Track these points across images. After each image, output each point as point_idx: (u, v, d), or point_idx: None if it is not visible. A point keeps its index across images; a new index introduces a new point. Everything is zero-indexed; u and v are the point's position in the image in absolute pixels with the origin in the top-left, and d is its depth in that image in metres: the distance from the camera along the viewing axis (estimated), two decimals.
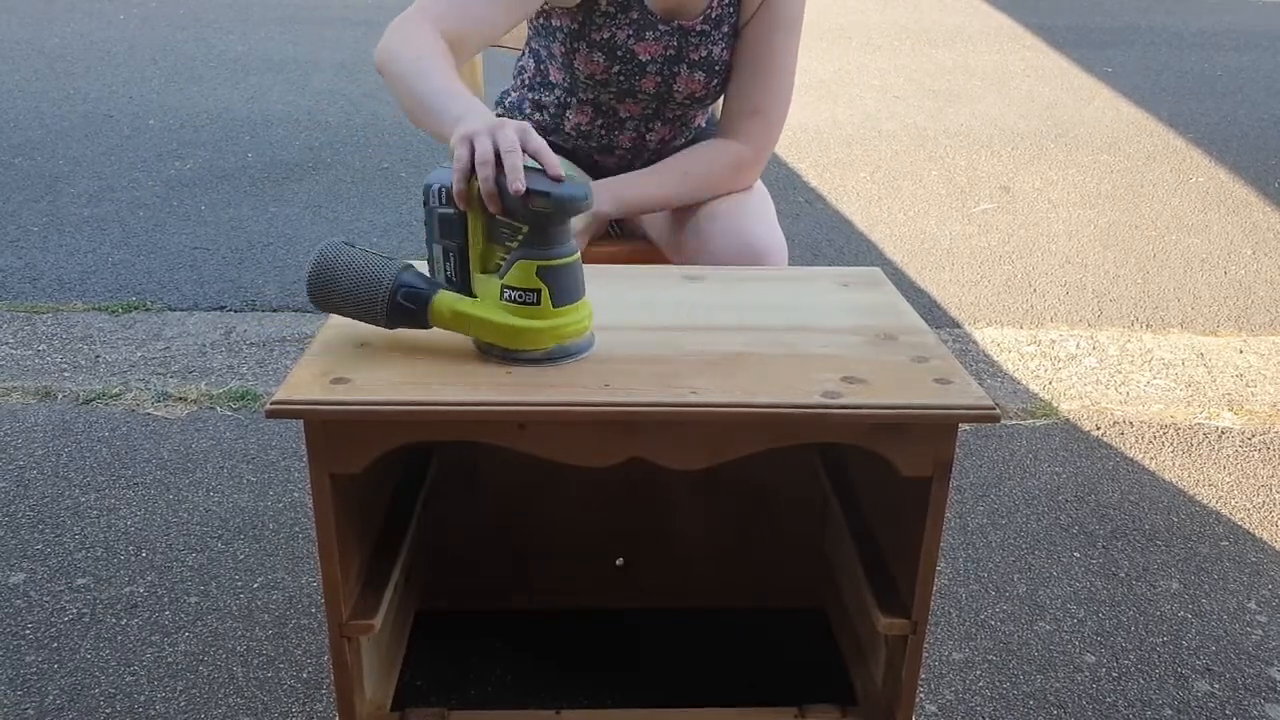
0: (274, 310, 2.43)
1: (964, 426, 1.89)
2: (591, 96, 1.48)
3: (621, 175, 1.47)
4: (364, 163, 3.48)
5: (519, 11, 1.34)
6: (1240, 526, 1.70)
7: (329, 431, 0.95)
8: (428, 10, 1.28)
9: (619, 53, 1.42)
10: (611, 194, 1.43)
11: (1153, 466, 1.87)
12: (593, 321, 1.04)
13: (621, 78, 1.44)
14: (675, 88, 1.45)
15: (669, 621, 1.43)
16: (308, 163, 3.47)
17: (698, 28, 1.42)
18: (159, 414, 1.97)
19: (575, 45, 1.42)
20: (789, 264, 1.42)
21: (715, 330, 1.09)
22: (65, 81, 4.37)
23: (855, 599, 1.27)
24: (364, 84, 4.43)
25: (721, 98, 1.52)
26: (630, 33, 1.40)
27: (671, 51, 1.42)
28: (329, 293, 1.03)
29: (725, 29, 1.43)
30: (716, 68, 1.45)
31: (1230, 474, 1.85)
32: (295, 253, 2.75)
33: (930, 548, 1.02)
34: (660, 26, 1.41)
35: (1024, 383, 2.16)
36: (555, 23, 1.42)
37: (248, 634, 1.42)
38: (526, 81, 1.55)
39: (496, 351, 1.01)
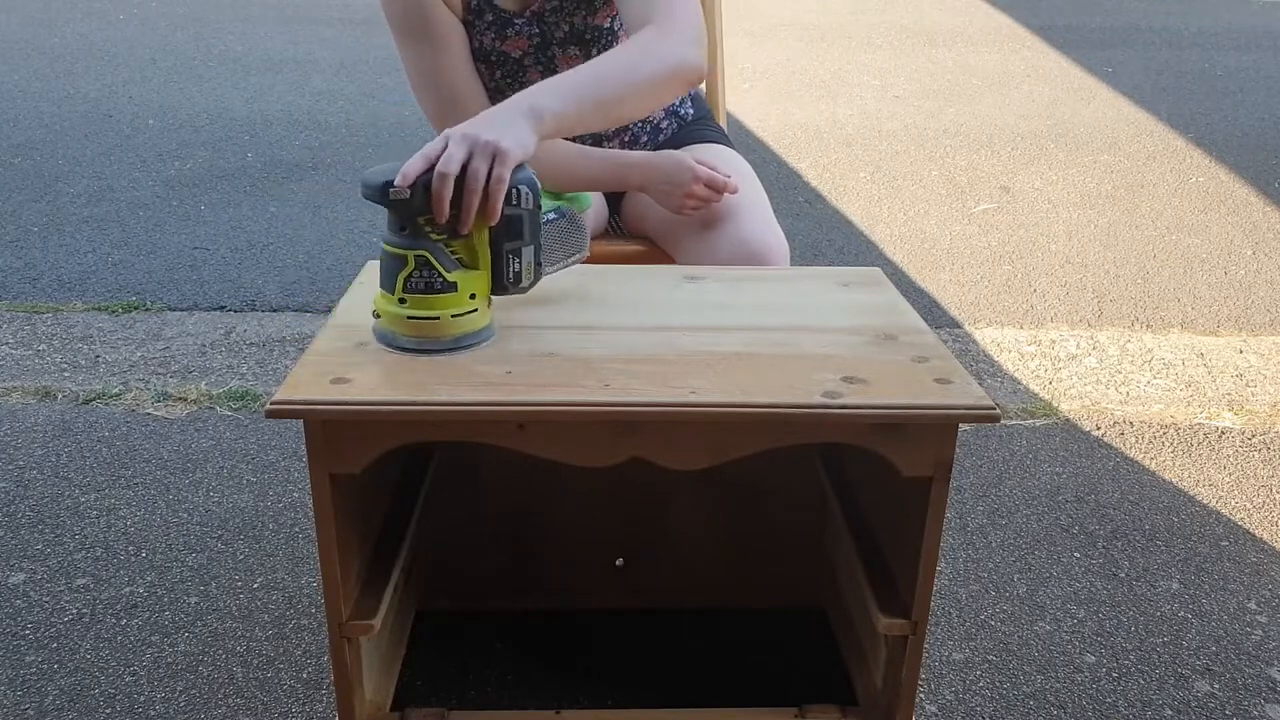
0: (274, 310, 2.43)
1: (964, 426, 1.89)
2: None
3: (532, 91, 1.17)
4: (364, 163, 3.48)
5: (467, 46, 1.42)
6: (1240, 526, 1.70)
7: (329, 431, 0.95)
8: (464, 109, 1.38)
9: (494, 57, 1.44)
10: (516, 115, 1.11)
11: (1153, 466, 1.87)
12: (402, 328, 1.02)
13: (508, 80, 1.46)
14: (560, 71, 1.46)
15: (669, 621, 1.43)
16: (308, 163, 3.47)
17: (548, 7, 1.42)
18: (159, 414, 1.97)
19: (476, 64, 1.45)
20: (789, 264, 1.42)
21: (715, 330, 1.09)
22: (65, 81, 4.37)
23: (855, 599, 1.27)
24: (363, 84, 4.43)
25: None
26: (493, 35, 1.42)
27: (537, 39, 1.43)
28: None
29: None
30: (588, 36, 1.44)
31: (1230, 474, 1.85)
32: (295, 253, 2.75)
33: (930, 548, 1.02)
34: (516, 21, 1.42)
35: (1024, 383, 2.16)
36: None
37: (247, 634, 1.42)
38: None
39: None
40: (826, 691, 1.30)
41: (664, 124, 1.60)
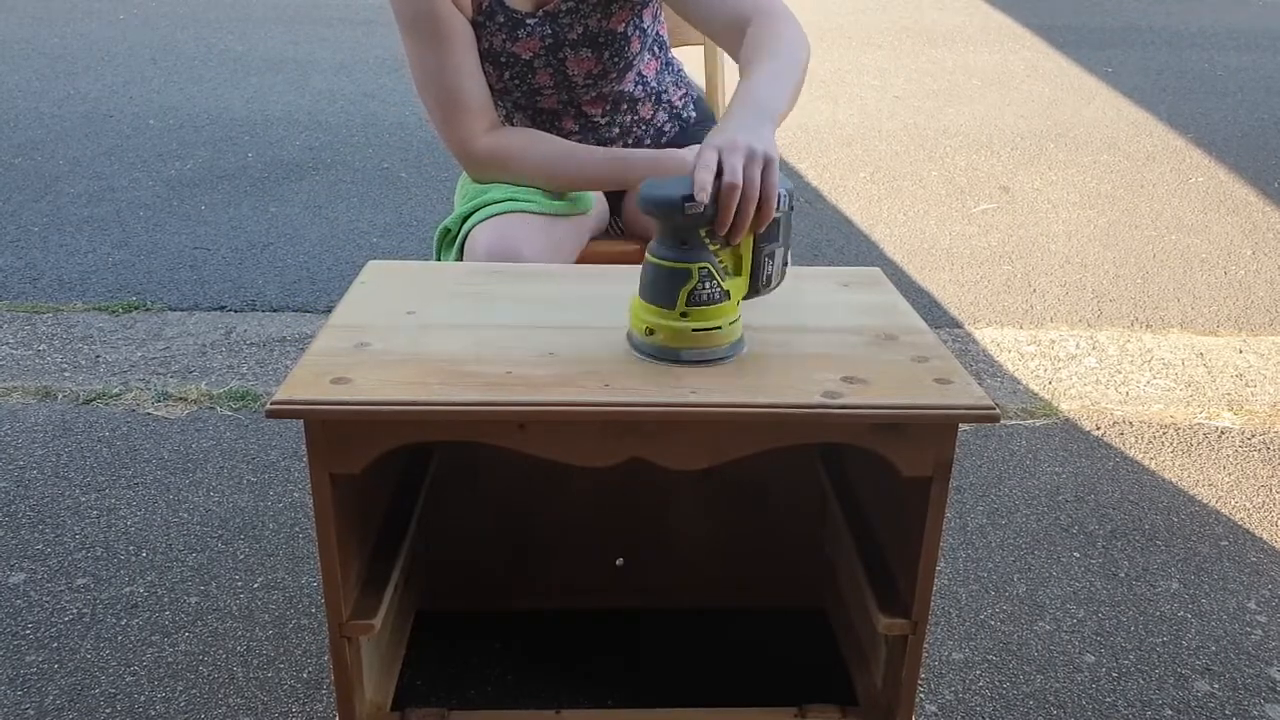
0: (274, 310, 2.43)
1: (964, 426, 1.89)
2: (506, 109, 1.52)
3: (741, 102, 1.16)
4: (364, 163, 3.48)
5: (474, 48, 1.43)
6: (1240, 526, 1.70)
7: (329, 431, 0.95)
8: (465, 110, 1.41)
9: (503, 59, 1.44)
10: (760, 118, 1.11)
11: (1153, 466, 1.87)
12: (683, 341, 1.01)
13: (516, 81, 1.46)
14: (570, 73, 1.46)
15: (669, 621, 1.43)
16: (308, 163, 3.47)
17: (563, 8, 1.41)
18: (159, 414, 1.97)
19: (484, 64, 1.45)
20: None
21: None
22: (65, 81, 4.37)
23: (855, 599, 1.27)
24: (363, 84, 4.43)
25: (630, 72, 1.50)
26: (504, 36, 1.42)
27: (549, 41, 1.43)
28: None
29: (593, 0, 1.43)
30: (600, 39, 1.44)
31: (1230, 474, 1.85)
32: (295, 253, 2.75)
33: (930, 548, 1.02)
34: (528, 21, 1.41)
35: (1024, 383, 2.16)
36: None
37: (248, 634, 1.42)
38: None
39: None
40: (826, 691, 1.30)
41: (666, 126, 1.60)
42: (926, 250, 2.85)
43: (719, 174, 0.99)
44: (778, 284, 1.08)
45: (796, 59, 1.26)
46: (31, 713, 1.29)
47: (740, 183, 0.98)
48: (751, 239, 1.03)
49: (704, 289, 1.00)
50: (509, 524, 1.40)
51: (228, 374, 2.13)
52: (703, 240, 0.99)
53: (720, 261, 1.01)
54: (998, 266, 2.75)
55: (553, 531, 1.41)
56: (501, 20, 1.41)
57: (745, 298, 1.05)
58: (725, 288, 1.01)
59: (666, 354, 1.01)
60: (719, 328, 1.01)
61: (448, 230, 1.49)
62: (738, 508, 1.40)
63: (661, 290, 1.01)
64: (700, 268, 0.99)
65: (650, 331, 1.02)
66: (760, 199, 1.00)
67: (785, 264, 1.07)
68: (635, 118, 1.55)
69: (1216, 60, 5.10)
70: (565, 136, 1.52)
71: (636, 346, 1.04)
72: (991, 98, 4.36)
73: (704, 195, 0.97)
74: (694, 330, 1.00)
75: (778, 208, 1.02)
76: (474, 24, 1.41)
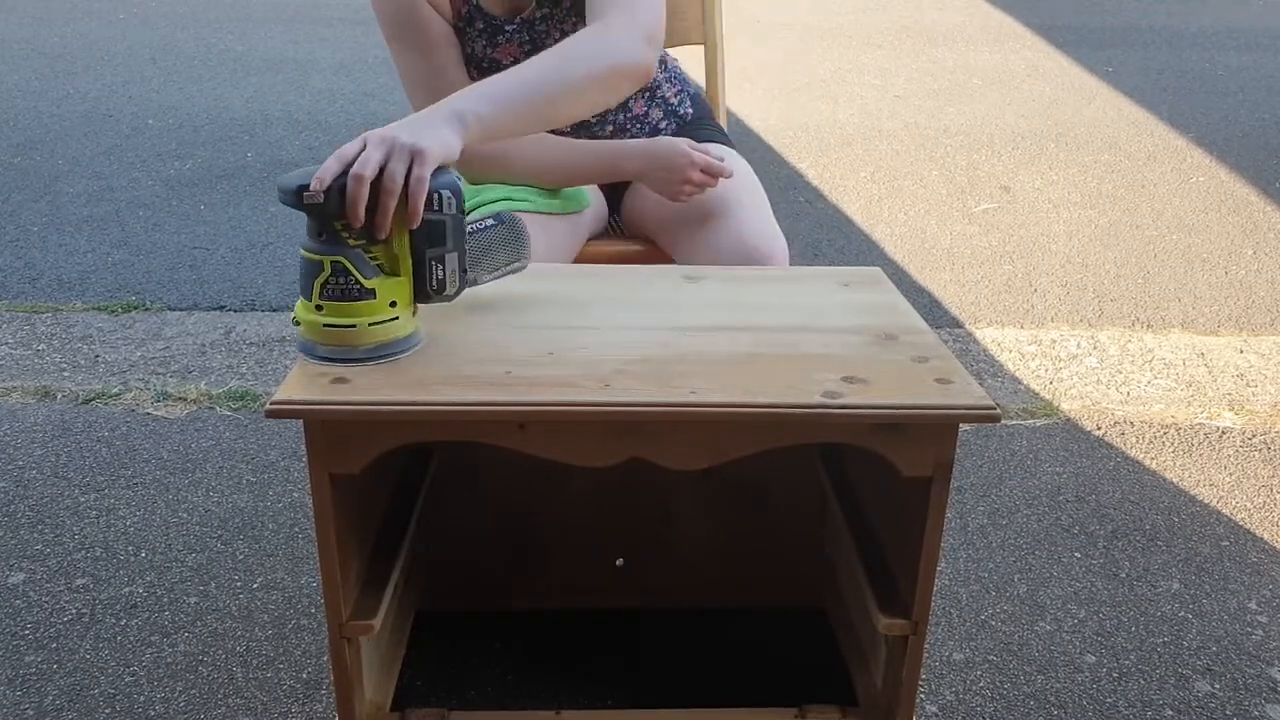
0: (274, 310, 2.43)
1: (964, 426, 1.89)
2: None
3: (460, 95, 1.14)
4: None
5: (458, 50, 1.41)
6: (1241, 526, 1.70)
7: (329, 431, 0.95)
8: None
9: (484, 64, 1.43)
10: (442, 117, 1.08)
11: (1153, 466, 1.87)
12: (319, 336, 0.99)
13: None
14: None
15: (669, 621, 1.43)
16: (308, 163, 3.45)
17: (538, 14, 1.41)
18: (159, 414, 1.97)
19: (468, 69, 1.44)
20: (789, 264, 1.42)
21: (715, 330, 1.09)
22: (65, 81, 4.37)
23: (855, 599, 1.27)
24: (363, 84, 4.43)
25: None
26: (484, 41, 1.42)
27: (527, 47, 1.43)
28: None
29: (567, 4, 1.42)
30: None
31: (1231, 474, 1.85)
32: (295, 252, 2.75)
33: (930, 548, 1.02)
34: (507, 27, 1.42)
35: (1024, 382, 2.16)
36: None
37: (247, 634, 1.42)
38: None
39: None
40: (826, 691, 1.30)
41: (663, 124, 1.60)
42: (927, 250, 2.85)
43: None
44: (456, 291, 1.03)
45: (570, 70, 1.19)
46: (31, 713, 1.29)
47: (367, 174, 0.95)
48: (407, 239, 0.99)
49: (338, 283, 0.96)
50: (509, 524, 1.40)
51: (227, 374, 2.12)
52: (339, 233, 0.96)
53: (374, 259, 0.98)
54: (998, 266, 2.75)
55: (553, 531, 1.41)
56: (480, 26, 1.41)
57: (417, 302, 1.02)
58: (369, 286, 0.97)
59: (306, 347, 1.00)
60: (354, 326, 0.98)
61: None
62: (738, 508, 1.40)
63: (302, 282, 0.99)
64: (334, 261, 0.96)
65: (297, 323, 1.01)
66: (408, 197, 0.97)
67: (463, 271, 1.03)
68: (628, 115, 1.55)
69: (1217, 60, 5.10)
70: (557, 134, 1.52)
71: (295, 339, 1.02)
72: (992, 97, 4.36)
73: (319, 184, 0.94)
74: (325, 325, 0.98)
75: (436, 209, 0.98)
76: (456, 29, 1.41)
